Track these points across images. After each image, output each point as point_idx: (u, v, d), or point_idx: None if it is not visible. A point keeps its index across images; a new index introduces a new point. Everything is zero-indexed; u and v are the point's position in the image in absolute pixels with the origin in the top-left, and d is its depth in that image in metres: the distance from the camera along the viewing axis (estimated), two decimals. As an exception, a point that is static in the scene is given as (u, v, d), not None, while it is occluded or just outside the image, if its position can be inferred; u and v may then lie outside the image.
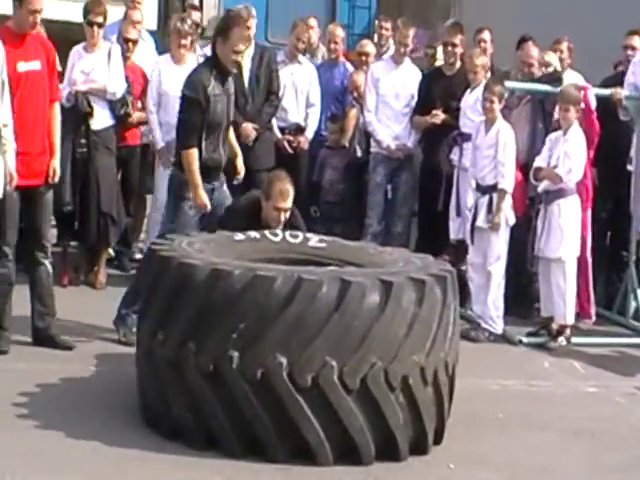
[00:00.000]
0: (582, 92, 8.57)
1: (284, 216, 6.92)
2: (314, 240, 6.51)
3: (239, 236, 6.38)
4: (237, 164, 7.52)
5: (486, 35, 9.58)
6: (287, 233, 6.52)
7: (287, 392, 4.79)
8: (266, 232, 6.50)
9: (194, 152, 6.91)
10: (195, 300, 5.08)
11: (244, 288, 4.91)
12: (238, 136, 8.45)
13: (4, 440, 5.26)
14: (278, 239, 6.46)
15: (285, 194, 6.90)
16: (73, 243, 9.29)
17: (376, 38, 11.86)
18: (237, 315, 4.96)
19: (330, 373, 4.83)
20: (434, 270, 5.48)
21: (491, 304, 8.42)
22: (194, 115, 7.00)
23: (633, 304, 9.19)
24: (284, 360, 4.87)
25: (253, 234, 6.44)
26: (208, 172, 7.09)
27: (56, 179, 7.27)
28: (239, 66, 8.73)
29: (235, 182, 7.49)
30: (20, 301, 7.22)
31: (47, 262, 7.35)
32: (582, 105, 8.51)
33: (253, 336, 4.96)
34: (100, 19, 8.66)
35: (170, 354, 5.15)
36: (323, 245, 6.46)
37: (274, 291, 4.87)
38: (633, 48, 9.31)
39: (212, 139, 7.07)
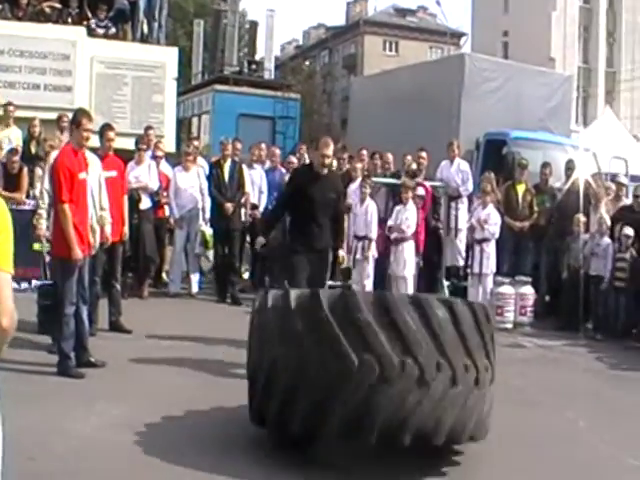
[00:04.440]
0: (416, 183, 13.29)
1: (327, 161, 8.91)
2: None
3: None
4: None
5: (364, 151, 14.58)
6: None
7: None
8: None
9: None
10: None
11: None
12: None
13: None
14: None
15: (328, 144, 8.79)
16: (130, 274, 13.18)
17: (297, 155, 15.64)
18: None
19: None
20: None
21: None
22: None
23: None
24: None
25: None
26: None
27: (126, 238, 10.58)
28: (221, 168, 13.47)
29: None
30: (103, 306, 10.18)
31: (117, 285, 10.50)
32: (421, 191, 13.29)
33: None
34: (145, 147, 12.96)
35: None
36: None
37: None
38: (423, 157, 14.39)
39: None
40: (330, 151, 9.08)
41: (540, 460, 6.70)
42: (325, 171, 9.10)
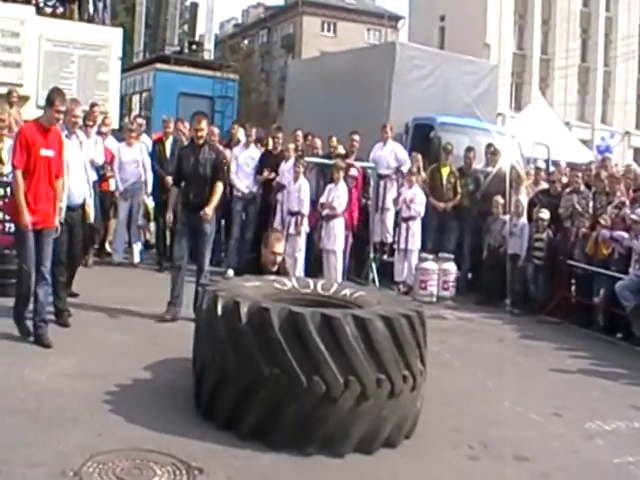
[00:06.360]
0: (346, 164, 13.91)
1: (278, 258, 8.52)
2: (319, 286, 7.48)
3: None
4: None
5: (299, 132, 15.28)
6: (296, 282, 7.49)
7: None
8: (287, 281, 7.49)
9: None
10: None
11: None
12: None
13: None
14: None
15: (279, 241, 8.51)
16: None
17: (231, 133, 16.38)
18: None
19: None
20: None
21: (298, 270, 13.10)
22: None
23: (371, 275, 13.92)
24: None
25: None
26: None
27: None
28: (163, 144, 14.26)
29: None
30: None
31: None
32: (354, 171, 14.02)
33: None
34: (91, 123, 13.32)
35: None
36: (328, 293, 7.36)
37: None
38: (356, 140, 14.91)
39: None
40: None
41: (451, 415, 7.35)
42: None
